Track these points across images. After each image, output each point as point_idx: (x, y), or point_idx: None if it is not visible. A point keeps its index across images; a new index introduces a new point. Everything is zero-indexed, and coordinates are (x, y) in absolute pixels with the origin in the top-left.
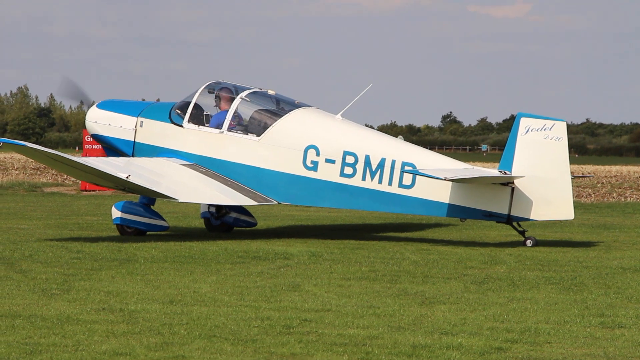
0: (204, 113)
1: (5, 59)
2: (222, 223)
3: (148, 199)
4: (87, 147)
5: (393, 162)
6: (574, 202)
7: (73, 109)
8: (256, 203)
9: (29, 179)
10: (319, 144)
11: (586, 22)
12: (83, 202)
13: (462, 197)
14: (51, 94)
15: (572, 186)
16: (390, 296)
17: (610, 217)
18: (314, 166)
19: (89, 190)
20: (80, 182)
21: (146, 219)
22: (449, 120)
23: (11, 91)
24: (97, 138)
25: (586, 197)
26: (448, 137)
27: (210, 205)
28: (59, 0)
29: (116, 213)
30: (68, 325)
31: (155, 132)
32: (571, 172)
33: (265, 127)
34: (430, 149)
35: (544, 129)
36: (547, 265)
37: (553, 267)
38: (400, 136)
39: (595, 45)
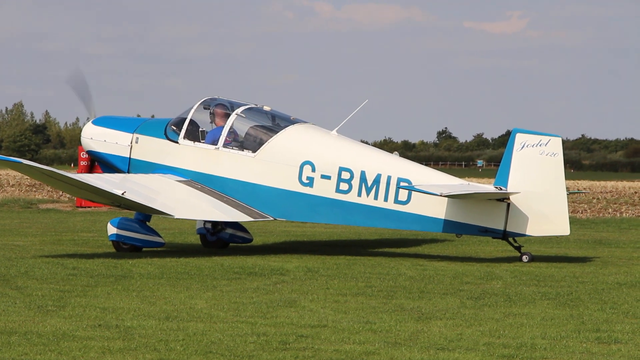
0: (200, 129)
1: (1, 76)
2: (218, 239)
3: (144, 215)
4: (82, 163)
5: (389, 178)
6: (569, 218)
7: (68, 125)
8: (252, 219)
9: (24, 195)
10: (314, 160)
11: (582, 38)
12: (79, 218)
13: (458, 213)
14: (46, 111)
15: (568, 202)
16: (386, 312)
17: (606, 233)
18: (310, 182)
19: (85, 207)
20: (76, 198)
21: (142, 235)
22: (445, 136)
23: (6, 108)
24: (92, 154)
25: (582, 213)
26: (443, 153)
27: (206, 222)
28: (54, 17)
29: (112, 229)
30: (64, 342)
31: (150, 148)
32: (567, 188)
33: (260, 143)
34: (426, 164)
35: (540, 145)
36: (543, 281)
37: (549, 282)
38: (396, 152)
39: (590, 61)
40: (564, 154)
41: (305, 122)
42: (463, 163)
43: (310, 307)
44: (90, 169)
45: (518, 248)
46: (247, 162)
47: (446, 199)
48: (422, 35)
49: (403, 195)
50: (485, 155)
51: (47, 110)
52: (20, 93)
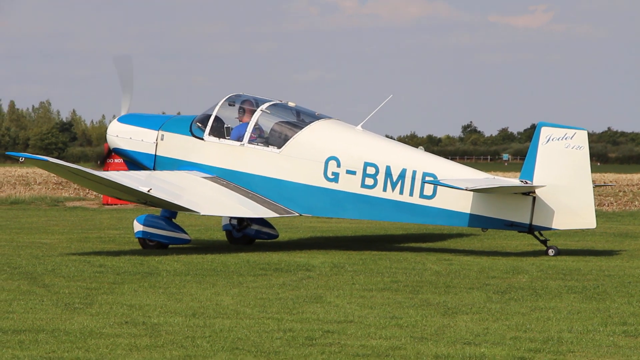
0: (225, 126)
1: (28, 74)
2: (243, 235)
3: (170, 212)
4: (108, 161)
5: (414, 172)
6: (595, 211)
7: (95, 123)
8: (277, 215)
9: (51, 193)
10: (339, 155)
11: (607, 30)
12: (105, 216)
13: (484, 207)
14: (73, 110)
15: (594, 195)
16: (412, 307)
17: (632, 226)
18: (335, 177)
19: (111, 204)
20: (102, 196)
21: (168, 232)
22: (470, 130)
23: (33, 106)
24: (118, 152)
25: (608, 206)
26: (469, 147)
27: (231, 218)
28: (80, 16)
29: (138, 227)
30: (91, 339)
31: (176, 145)
32: (593, 181)
33: (285, 139)
34: (451, 159)
35: (565, 138)
36: (570, 274)
37: (575, 276)
38: (421, 147)
39: (616, 53)
40: (590, 147)
41: (330, 117)
42: (489, 157)
43: (336, 302)
44: (105, 160)
45: (544, 242)
46: (272, 158)
47: (471, 193)
48: (447, 30)
49: (428, 189)
50: (510, 149)
51: (74, 109)
52: (46, 91)
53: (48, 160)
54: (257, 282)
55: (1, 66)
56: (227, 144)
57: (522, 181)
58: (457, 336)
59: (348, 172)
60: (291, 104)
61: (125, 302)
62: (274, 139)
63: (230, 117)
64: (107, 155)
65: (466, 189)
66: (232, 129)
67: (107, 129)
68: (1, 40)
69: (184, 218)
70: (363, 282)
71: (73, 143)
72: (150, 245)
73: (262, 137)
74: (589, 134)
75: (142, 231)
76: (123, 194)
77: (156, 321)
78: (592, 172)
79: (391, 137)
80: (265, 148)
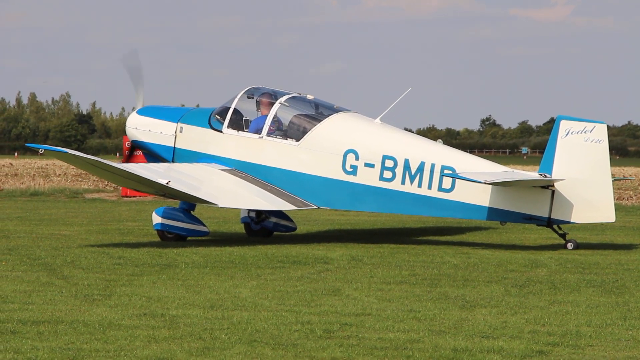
0: (244, 118)
1: (49, 67)
2: (262, 228)
3: (188, 204)
4: (127, 153)
5: (432, 165)
6: (615, 205)
7: (114, 115)
8: (296, 208)
9: (70, 185)
10: (358, 148)
11: (627, 24)
12: (124, 208)
13: (502, 201)
14: (94, 102)
15: (613, 189)
16: (430, 300)
17: None
18: (353, 170)
19: (130, 196)
20: (121, 188)
21: (186, 224)
22: (489, 123)
23: (53, 98)
24: (137, 144)
25: (627, 200)
26: (488, 140)
27: (250, 210)
28: (100, 9)
29: (157, 219)
30: (110, 331)
31: (194, 137)
32: (612, 175)
33: (304, 132)
34: (470, 152)
35: (584, 132)
36: (589, 268)
37: (594, 269)
38: (440, 140)
39: (636, 47)
40: (610, 141)
41: (348, 110)
42: (507, 150)
43: (354, 295)
44: (129, 158)
45: (563, 235)
46: (290, 150)
47: (490, 186)
48: (467, 23)
49: (447, 183)
50: (529, 142)
51: (95, 102)
52: (67, 83)
53: (67, 152)
54: (275, 274)
55: (22, 58)
56: (245, 137)
57: (541, 174)
58: (475, 329)
59: (366, 165)
60: (310, 96)
61: (143, 294)
62: (293, 132)
63: (249, 109)
64: (130, 153)
65: (485, 182)
66: (250, 121)
67: (126, 121)
68: (21, 33)
69: (203, 210)
70: (381, 275)
71: (92, 135)
72: (168, 237)
73: (281, 130)
74: (608, 127)
75: (161, 223)
76: (142, 186)
77: (174, 313)
78: (611, 165)
79: (410, 130)
80: (284, 141)
